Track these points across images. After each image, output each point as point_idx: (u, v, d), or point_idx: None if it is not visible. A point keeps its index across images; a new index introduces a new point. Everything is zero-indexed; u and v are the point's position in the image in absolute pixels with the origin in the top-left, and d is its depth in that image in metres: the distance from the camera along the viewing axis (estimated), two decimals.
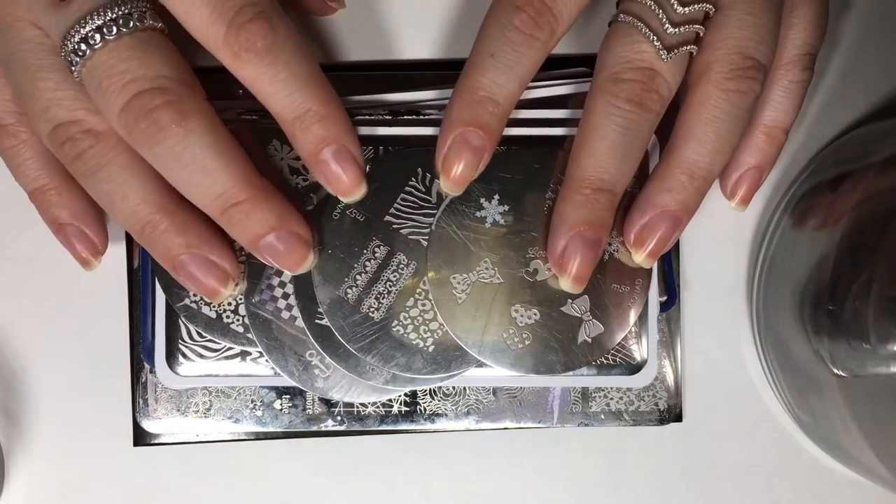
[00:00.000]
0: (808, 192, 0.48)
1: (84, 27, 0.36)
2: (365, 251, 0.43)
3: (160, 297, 0.44)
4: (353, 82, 0.46)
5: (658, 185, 0.41)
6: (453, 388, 0.48)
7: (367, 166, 0.43)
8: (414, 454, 0.50)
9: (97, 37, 0.36)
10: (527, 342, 0.43)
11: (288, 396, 0.47)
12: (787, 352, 0.47)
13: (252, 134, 0.43)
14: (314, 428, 0.47)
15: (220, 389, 0.47)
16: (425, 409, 0.48)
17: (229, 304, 0.44)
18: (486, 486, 0.50)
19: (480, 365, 0.43)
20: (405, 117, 0.45)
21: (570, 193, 0.40)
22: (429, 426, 0.48)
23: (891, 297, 0.41)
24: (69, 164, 0.39)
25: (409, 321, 0.43)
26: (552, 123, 0.45)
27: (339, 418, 0.47)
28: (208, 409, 0.47)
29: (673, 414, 0.49)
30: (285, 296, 0.44)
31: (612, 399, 0.48)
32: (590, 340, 0.43)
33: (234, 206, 0.38)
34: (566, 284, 0.41)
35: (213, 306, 0.44)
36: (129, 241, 0.48)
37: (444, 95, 0.45)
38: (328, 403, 0.47)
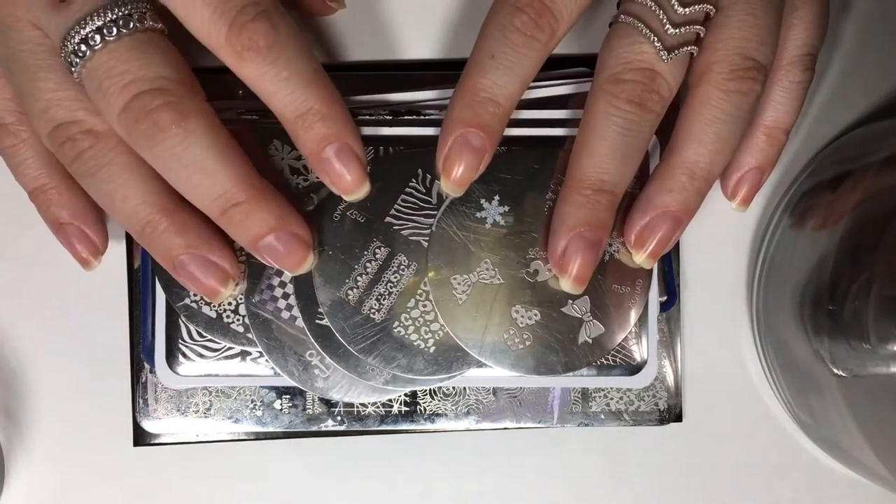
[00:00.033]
0: (808, 192, 0.48)
1: (84, 28, 0.36)
2: (366, 252, 0.43)
3: (160, 297, 0.44)
4: (354, 82, 0.46)
5: (658, 185, 0.41)
6: (453, 388, 0.48)
7: (368, 167, 0.43)
8: (414, 454, 0.50)
9: (97, 38, 0.36)
10: (527, 343, 0.43)
11: (288, 396, 0.47)
12: (787, 352, 0.47)
13: (252, 134, 0.43)
14: (314, 428, 0.47)
15: (220, 389, 0.47)
16: (425, 409, 0.48)
17: (229, 303, 0.44)
18: (486, 486, 0.50)
19: (481, 365, 0.43)
20: (406, 117, 0.45)
21: (570, 194, 0.40)
22: (429, 426, 0.48)
23: (891, 297, 0.41)
24: (69, 165, 0.39)
25: (409, 322, 0.43)
26: (552, 124, 0.45)
27: (339, 418, 0.47)
28: (208, 409, 0.47)
29: (673, 414, 0.49)
30: (285, 296, 0.44)
31: (612, 399, 0.48)
32: (590, 341, 0.43)
33: (234, 206, 0.38)
34: (567, 285, 0.41)
35: (213, 306, 0.44)
36: (129, 241, 0.48)
37: (444, 95, 0.45)
38: (328, 403, 0.47)
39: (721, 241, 0.51)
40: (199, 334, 0.45)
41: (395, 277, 0.43)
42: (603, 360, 0.45)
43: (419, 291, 0.43)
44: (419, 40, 0.49)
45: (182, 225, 0.39)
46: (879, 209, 0.44)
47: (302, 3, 0.46)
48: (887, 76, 0.50)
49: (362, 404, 0.47)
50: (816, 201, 0.47)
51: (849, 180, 0.46)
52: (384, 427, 0.47)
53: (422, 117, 0.45)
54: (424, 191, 0.43)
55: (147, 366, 0.47)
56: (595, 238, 0.40)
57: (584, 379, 0.46)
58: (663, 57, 0.38)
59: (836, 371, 0.44)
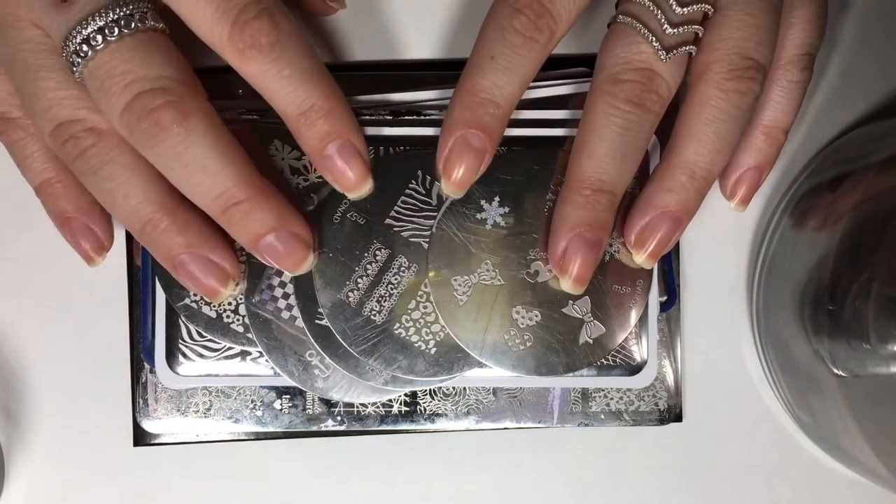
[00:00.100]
0: (808, 193, 0.48)
1: (86, 28, 0.36)
2: (366, 254, 0.43)
3: (160, 297, 0.44)
4: (354, 82, 0.46)
5: (658, 185, 0.41)
6: (453, 388, 0.48)
7: None
8: (414, 454, 0.50)
9: (99, 38, 0.36)
10: (528, 344, 0.43)
11: (288, 396, 0.47)
12: (787, 352, 0.47)
13: (253, 134, 0.43)
14: (314, 428, 0.47)
15: (220, 389, 0.47)
16: (425, 409, 0.48)
17: (229, 303, 0.44)
18: (486, 486, 0.50)
19: (482, 366, 0.43)
20: (406, 117, 0.45)
21: (570, 194, 0.40)
22: (429, 426, 0.48)
23: (891, 297, 0.41)
24: (71, 163, 0.39)
25: (410, 324, 0.43)
26: (552, 124, 0.45)
27: (339, 418, 0.47)
28: (208, 409, 0.47)
29: (673, 414, 0.49)
30: (285, 296, 0.44)
31: (612, 399, 0.48)
32: (591, 341, 0.43)
33: (235, 205, 0.38)
34: (567, 285, 0.41)
35: (214, 306, 0.44)
36: (130, 240, 0.47)
37: (444, 95, 0.45)
38: (328, 403, 0.47)
39: (721, 241, 0.51)
40: (199, 334, 0.45)
41: (396, 279, 0.43)
42: (603, 360, 0.45)
43: (420, 293, 0.43)
44: (419, 40, 0.49)
45: (183, 224, 0.39)
46: (879, 209, 0.44)
47: (303, 3, 0.46)
48: (887, 76, 0.50)
49: (362, 404, 0.47)
50: (816, 202, 0.47)
51: (849, 181, 0.46)
52: (384, 427, 0.48)
53: (422, 117, 0.45)
54: (424, 192, 0.43)
55: (147, 366, 0.47)
56: (595, 238, 0.40)
57: (584, 379, 0.46)
58: (662, 57, 0.38)
59: (836, 371, 0.44)
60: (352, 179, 0.40)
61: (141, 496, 0.50)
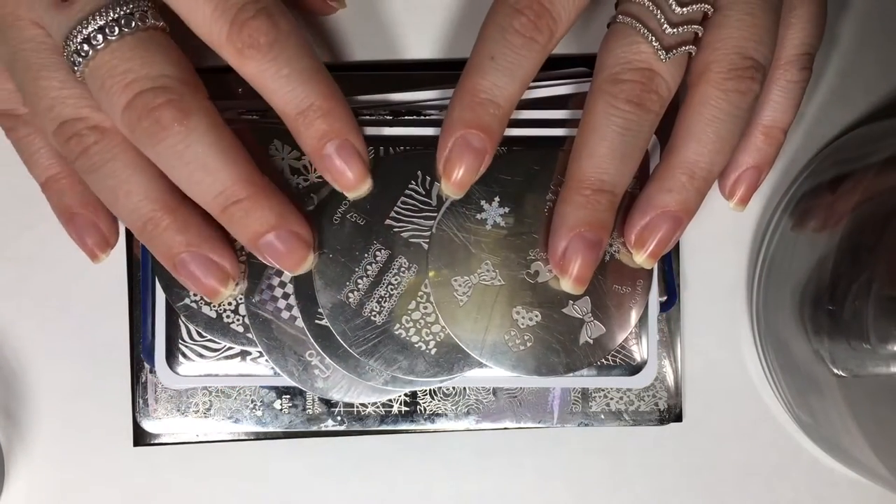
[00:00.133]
0: (808, 194, 0.48)
1: (86, 28, 0.36)
2: (366, 255, 0.43)
3: (160, 297, 0.44)
4: (354, 82, 0.46)
5: (658, 185, 0.41)
6: (453, 388, 0.48)
7: None
8: (414, 454, 0.50)
9: (100, 37, 0.36)
10: (528, 344, 0.43)
11: (288, 396, 0.47)
12: (787, 352, 0.47)
13: (253, 134, 0.43)
14: (314, 428, 0.47)
15: (220, 389, 0.47)
16: (425, 409, 0.48)
17: (229, 303, 0.44)
18: (486, 486, 0.50)
19: (482, 366, 0.43)
20: (406, 117, 0.45)
21: (570, 194, 0.40)
22: (429, 426, 0.48)
23: (891, 297, 0.41)
24: (74, 160, 0.39)
25: (410, 324, 0.43)
26: (552, 124, 0.45)
27: (339, 418, 0.47)
28: (208, 409, 0.47)
29: (673, 414, 0.49)
30: (285, 296, 0.44)
31: (612, 399, 0.48)
32: (591, 341, 0.43)
33: (235, 203, 0.38)
34: (567, 286, 0.41)
35: (214, 306, 0.44)
36: (130, 240, 0.47)
37: (444, 95, 0.45)
38: (328, 403, 0.47)
39: (721, 241, 0.51)
40: (199, 334, 0.45)
41: (396, 279, 0.43)
42: (603, 360, 0.45)
43: (420, 293, 0.43)
44: (419, 40, 0.49)
45: (184, 223, 0.39)
46: (879, 209, 0.44)
47: (303, 3, 0.46)
48: (887, 76, 0.50)
49: (362, 404, 0.47)
50: (816, 202, 0.47)
51: (849, 181, 0.46)
52: (384, 427, 0.48)
53: (422, 117, 0.45)
54: (424, 193, 0.43)
55: (147, 366, 0.47)
56: (595, 238, 0.40)
57: (584, 379, 0.46)
58: (661, 57, 0.38)
59: (836, 371, 0.44)
60: (350, 179, 0.40)
61: (141, 496, 0.50)
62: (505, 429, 0.48)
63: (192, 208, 0.39)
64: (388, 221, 0.43)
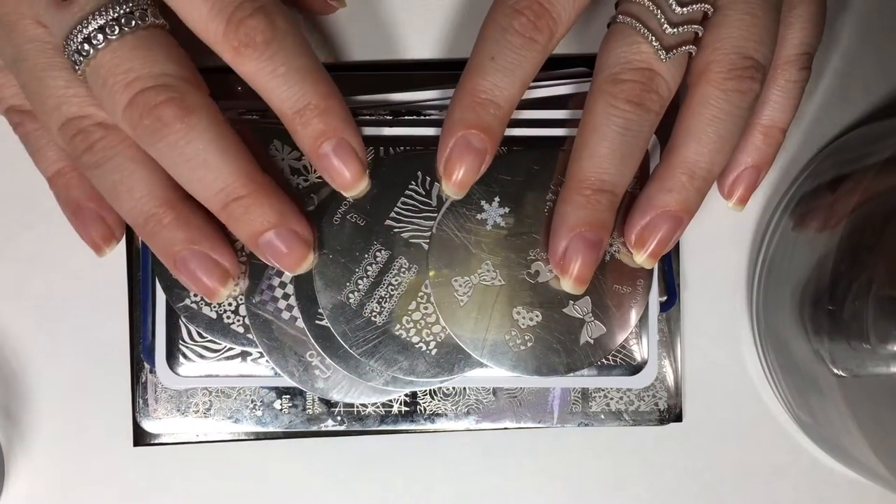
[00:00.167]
0: (808, 194, 0.48)
1: (86, 27, 0.36)
2: (366, 255, 0.43)
3: (160, 298, 0.44)
4: (354, 82, 0.46)
5: (659, 185, 0.41)
6: (453, 388, 0.48)
7: (367, 170, 0.43)
8: (414, 454, 0.50)
9: (100, 37, 0.36)
10: (529, 344, 0.43)
11: (288, 396, 0.47)
12: (787, 352, 0.47)
13: (253, 134, 0.43)
14: (314, 428, 0.47)
15: (220, 389, 0.47)
16: (425, 409, 0.48)
17: (230, 304, 0.44)
18: (486, 486, 0.50)
19: (483, 366, 0.43)
20: (406, 117, 0.45)
21: (570, 194, 0.40)
22: (429, 426, 0.48)
23: (891, 297, 0.41)
24: (79, 157, 0.39)
25: (411, 325, 0.43)
26: (552, 124, 0.45)
27: (339, 418, 0.47)
28: (208, 409, 0.47)
29: (673, 414, 0.49)
30: (286, 296, 0.44)
31: (612, 399, 0.48)
32: (592, 341, 0.43)
33: (235, 200, 0.38)
34: (568, 286, 0.41)
35: (214, 307, 0.44)
36: (130, 241, 0.47)
37: (444, 95, 0.45)
38: (328, 403, 0.47)
39: (721, 241, 0.51)
40: (200, 335, 0.45)
41: (396, 280, 0.43)
42: (604, 360, 0.45)
43: (420, 294, 0.43)
44: (419, 40, 0.49)
45: (185, 220, 0.39)
46: (879, 210, 0.44)
47: (303, 2, 0.46)
48: (887, 76, 0.50)
49: (362, 404, 0.47)
50: (816, 202, 0.47)
51: (848, 181, 0.46)
52: (384, 427, 0.48)
53: (422, 117, 0.45)
54: (424, 193, 0.43)
55: (147, 366, 0.47)
56: (595, 238, 0.40)
57: (584, 379, 0.46)
58: (662, 56, 0.38)
59: (836, 371, 0.44)
60: (348, 178, 0.40)
61: (141, 496, 0.50)
62: (505, 429, 0.48)
63: (194, 206, 0.39)
64: (388, 222, 0.43)
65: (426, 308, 0.43)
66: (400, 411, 0.47)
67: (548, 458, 0.50)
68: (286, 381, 0.44)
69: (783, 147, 0.46)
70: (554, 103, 0.45)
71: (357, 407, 0.47)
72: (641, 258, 0.42)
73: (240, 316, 0.44)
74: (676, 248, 0.49)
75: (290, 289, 0.44)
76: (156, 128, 0.36)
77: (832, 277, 0.44)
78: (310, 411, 0.47)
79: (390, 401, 0.47)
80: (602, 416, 0.48)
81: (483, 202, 0.43)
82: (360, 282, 0.43)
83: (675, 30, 0.38)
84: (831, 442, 0.48)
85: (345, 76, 0.46)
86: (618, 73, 0.39)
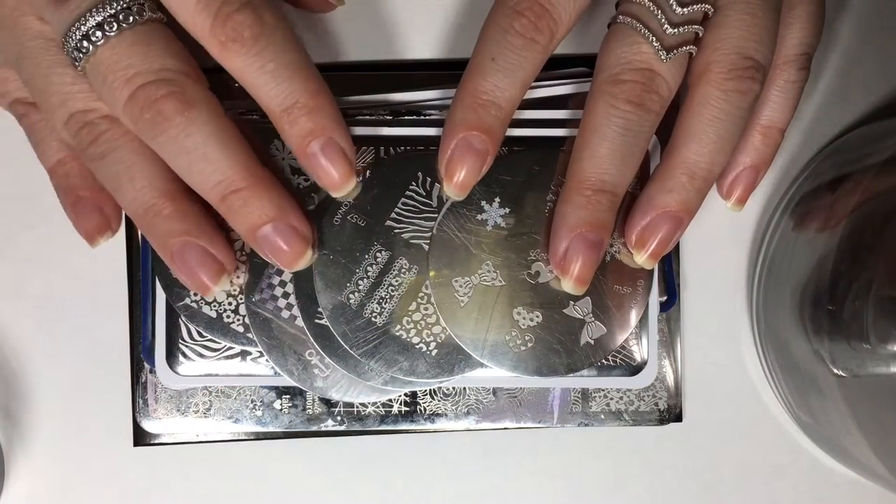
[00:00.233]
0: (808, 195, 0.48)
1: (84, 24, 0.36)
2: (367, 256, 0.43)
3: (160, 297, 0.44)
4: (355, 82, 0.46)
5: (659, 185, 0.41)
6: (453, 388, 0.48)
7: (368, 171, 0.43)
8: (414, 454, 0.50)
9: (98, 34, 0.36)
10: (529, 344, 0.43)
11: (288, 396, 0.47)
12: (787, 352, 0.47)
13: (253, 134, 0.43)
14: (314, 428, 0.47)
15: (220, 389, 0.47)
16: (425, 409, 0.48)
17: (229, 303, 0.44)
18: (486, 486, 0.50)
19: (483, 366, 0.43)
20: (406, 117, 0.45)
21: (571, 195, 0.40)
22: (429, 426, 0.48)
23: (891, 297, 0.41)
24: (85, 149, 0.39)
25: (411, 325, 0.43)
26: (553, 124, 0.45)
27: (339, 418, 0.47)
28: (208, 409, 0.47)
29: (673, 414, 0.49)
30: (285, 295, 0.44)
31: (612, 399, 0.48)
32: (592, 342, 0.43)
33: (234, 193, 0.38)
34: (568, 286, 0.41)
35: (214, 306, 0.44)
36: (130, 240, 0.47)
37: (445, 95, 0.45)
38: (328, 403, 0.47)
39: (721, 241, 0.51)
40: (200, 334, 0.45)
41: (397, 281, 0.43)
42: (604, 360, 0.45)
43: (420, 294, 0.43)
44: (419, 40, 0.49)
45: (184, 213, 0.39)
46: (879, 210, 0.44)
47: (301, 1, 0.46)
48: (887, 76, 0.50)
49: (362, 404, 0.47)
50: (816, 203, 0.47)
51: (848, 181, 0.46)
52: (384, 427, 0.48)
53: (422, 117, 0.45)
54: (425, 194, 0.43)
55: (147, 366, 0.47)
56: (596, 238, 0.40)
57: (584, 379, 0.46)
58: (662, 57, 0.38)
59: (836, 371, 0.44)
60: (335, 178, 0.40)
61: (141, 496, 0.50)
62: (505, 429, 0.48)
63: (194, 200, 0.40)
64: (388, 222, 0.43)
65: (426, 309, 0.43)
66: (400, 411, 0.47)
67: (548, 458, 0.50)
68: (286, 381, 0.44)
69: (783, 147, 0.46)
70: (554, 103, 0.45)
71: (357, 407, 0.47)
72: (642, 259, 0.42)
73: (239, 315, 0.44)
74: (676, 248, 0.49)
75: (289, 287, 0.44)
76: (156, 122, 0.36)
77: (832, 277, 0.44)
78: (310, 411, 0.47)
79: (390, 401, 0.47)
80: (602, 416, 0.48)
81: (483, 203, 0.43)
82: (360, 282, 0.43)
83: (676, 30, 0.38)
84: (831, 442, 0.48)
85: (345, 76, 0.46)
86: (618, 73, 0.39)
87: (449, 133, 0.40)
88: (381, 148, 0.44)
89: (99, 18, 0.36)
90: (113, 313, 0.49)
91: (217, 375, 0.45)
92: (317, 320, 0.43)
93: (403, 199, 0.43)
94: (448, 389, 0.47)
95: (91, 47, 0.36)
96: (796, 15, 0.42)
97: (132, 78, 0.36)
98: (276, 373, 0.45)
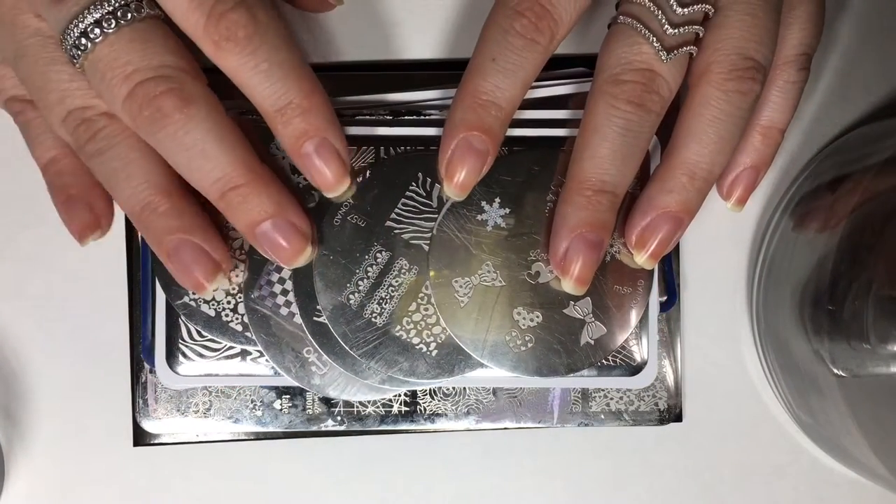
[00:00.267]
0: (808, 195, 0.48)
1: (83, 21, 0.36)
2: (367, 256, 0.43)
3: (160, 297, 0.44)
4: (355, 82, 0.46)
5: (659, 186, 0.41)
6: (453, 388, 0.48)
7: (367, 171, 0.43)
8: (414, 454, 0.50)
9: (97, 31, 0.36)
10: (529, 345, 0.43)
11: (288, 396, 0.47)
12: (787, 352, 0.47)
13: (253, 134, 0.43)
14: (314, 428, 0.47)
15: (220, 389, 0.47)
16: (425, 409, 0.48)
17: (228, 302, 0.44)
18: (486, 486, 0.50)
19: (483, 366, 0.43)
20: (406, 117, 0.45)
21: (571, 195, 0.40)
22: (429, 426, 0.48)
23: (891, 297, 0.41)
24: (82, 146, 0.39)
25: (411, 326, 0.43)
26: (553, 124, 0.45)
27: (339, 418, 0.47)
28: (208, 409, 0.47)
29: (673, 414, 0.49)
30: (284, 292, 0.44)
31: (612, 399, 0.48)
32: (592, 342, 0.43)
33: (233, 189, 0.38)
34: (568, 286, 0.41)
35: (213, 305, 0.44)
36: (130, 241, 0.47)
37: (444, 95, 0.45)
38: (328, 403, 0.47)
39: (721, 242, 0.51)
40: (199, 334, 0.45)
41: (397, 281, 0.43)
42: (604, 360, 0.45)
43: (420, 295, 0.43)
44: (420, 40, 0.48)
45: (180, 210, 0.39)
46: (879, 210, 0.44)
47: (300, 0, 0.46)
48: (887, 76, 0.50)
49: (362, 404, 0.47)
50: (816, 203, 0.47)
51: (848, 181, 0.46)
52: (384, 427, 0.48)
53: (422, 117, 0.45)
54: (425, 194, 0.43)
55: (147, 366, 0.47)
56: (596, 239, 0.40)
57: (584, 379, 0.46)
58: (662, 57, 0.38)
59: (836, 371, 0.44)
60: (329, 179, 0.40)
61: (141, 496, 0.50)
62: (505, 429, 0.48)
63: (190, 198, 0.40)
64: (388, 223, 0.43)
65: (427, 309, 0.43)
66: (400, 411, 0.47)
67: (548, 458, 0.50)
68: (286, 381, 0.44)
69: (783, 147, 0.46)
70: (554, 103, 0.45)
71: (357, 407, 0.47)
72: (642, 259, 0.42)
73: (238, 314, 0.44)
74: (676, 248, 0.49)
75: (288, 285, 0.44)
76: (155, 118, 0.36)
77: (832, 277, 0.44)
78: (310, 411, 0.47)
79: (390, 401, 0.47)
80: (602, 416, 0.48)
81: (484, 203, 0.43)
82: (360, 283, 0.43)
83: (676, 30, 0.38)
84: (831, 442, 0.48)
85: (345, 76, 0.46)
86: (619, 73, 0.39)
87: (449, 133, 0.40)
88: (381, 148, 0.44)
89: (97, 15, 0.36)
90: (113, 313, 0.49)
91: (217, 375, 0.45)
92: (315, 318, 0.43)
93: (403, 200, 0.43)
94: (448, 389, 0.47)
95: (89, 44, 0.36)
96: (796, 15, 0.42)
97: (131, 75, 0.36)
98: (276, 373, 0.45)
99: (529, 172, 0.43)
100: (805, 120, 0.50)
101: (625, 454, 0.51)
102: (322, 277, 0.43)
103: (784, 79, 0.43)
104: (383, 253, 0.43)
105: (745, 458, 0.51)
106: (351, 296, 0.43)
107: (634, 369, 0.46)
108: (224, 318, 0.44)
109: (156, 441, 0.48)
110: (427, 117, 0.45)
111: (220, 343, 0.45)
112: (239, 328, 0.44)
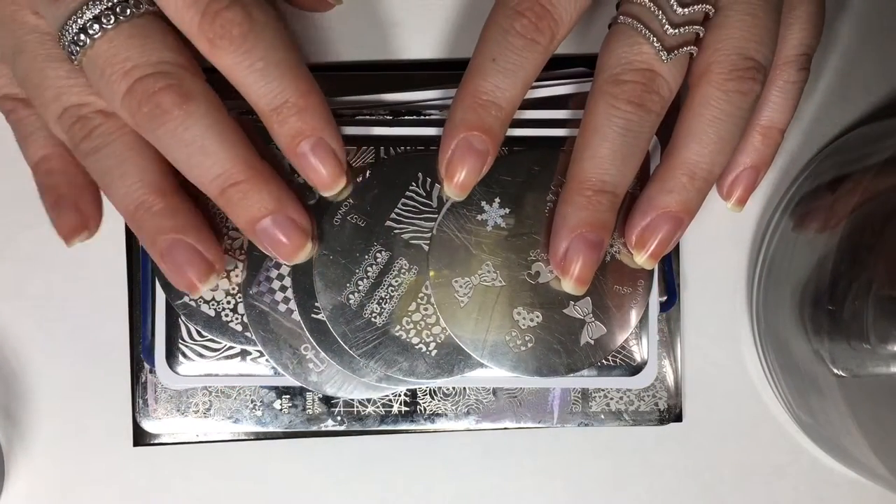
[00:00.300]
0: (808, 195, 0.48)
1: (81, 17, 0.36)
2: (367, 256, 0.43)
3: (160, 297, 0.44)
4: (355, 82, 0.46)
5: (659, 186, 0.41)
6: (453, 388, 0.48)
7: (367, 171, 0.43)
8: (414, 454, 0.50)
9: (96, 27, 0.36)
10: (529, 344, 0.43)
11: (288, 396, 0.47)
12: (787, 352, 0.47)
13: (254, 134, 0.43)
14: (314, 428, 0.47)
15: (220, 389, 0.47)
16: (425, 409, 0.48)
17: (228, 302, 0.44)
18: (486, 486, 0.50)
19: (483, 366, 0.43)
20: (406, 117, 0.45)
21: (571, 195, 0.40)
22: (429, 426, 0.48)
23: (891, 297, 0.41)
24: (77, 144, 0.39)
25: (411, 325, 0.43)
26: (553, 124, 0.45)
27: (339, 418, 0.47)
28: (208, 409, 0.47)
29: (673, 414, 0.49)
30: (283, 289, 0.44)
31: (612, 399, 0.48)
32: (592, 342, 0.43)
33: (233, 186, 0.38)
34: (568, 286, 0.41)
35: (212, 304, 0.44)
36: (130, 241, 0.47)
37: (445, 95, 0.45)
38: (328, 403, 0.47)
39: (721, 242, 0.51)
40: (199, 334, 0.45)
41: (396, 281, 0.43)
42: (604, 360, 0.45)
43: (420, 295, 0.43)
44: (419, 40, 0.48)
45: (174, 210, 0.39)
46: (879, 210, 0.44)
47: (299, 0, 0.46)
48: (887, 76, 0.50)
49: (362, 404, 0.47)
50: (816, 203, 0.47)
51: (848, 181, 0.46)
52: (384, 427, 0.47)
53: (422, 117, 0.45)
54: (425, 194, 0.43)
55: (147, 366, 0.47)
56: (596, 239, 0.40)
57: (584, 379, 0.46)
58: (663, 57, 0.38)
59: (836, 371, 0.44)
60: (325, 178, 0.40)
61: (141, 496, 0.50)
62: (505, 429, 0.48)
63: (185, 199, 0.40)
64: (388, 223, 0.43)
65: (426, 309, 0.43)
66: (400, 411, 0.47)
67: (548, 458, 0.50)
68: (286, 381, 0.44)
69: (783, 147, 0.46)
70: (554, 103, 0.45)
71: (357, 407, 0.47)
72: (642, 259, 0.42)
73: (238, 314, 0.44)
74: (676, 248, 0.49)
75: (287, 281, 0.44)
76: (155, 115, 0.36)
77: (832, 277, 0.44)
78: (310, 411, 0.47)
79: (390, 401, 0.47)
80: (602, 416, 0.48)
81: (483, 203, 0.43)
82: (360, 283, 0.43)
83: (677, 30, 0.38)
84: (831, 442, 0.48)
85: (345, 76, 0.46)
86: (619, 73, 0.39)
87: (449, 133, 0.40)
88: (381, 148, 0.44)
89: (96, 11, 0.36)
90: (113, 313, 0.49)
91: (217, 375, 0.45)
92: (313, 315, 0.43)
93: (403, 200, 0.43)
94: (448, 389, 0.47)
95: (88, 41, 0.36)
96: (796, 15, 0.42)
97: (130, 71, 0.36)
98: (276, 373, 0.45)
99: (529, 172, 0.43)
100: (805, 120, 0.50)
101: (625, 454, 0.51)
102: (322, 277, 0.43)
103: (784, 79, 0.43)
104: (383, 253, 0.43)
105: (745, 458, 0.51)
106: (351, 296, 0.43)
107: (634, 369, 0.46)
108: (224, 318, 0.44)
109: (156, 441, 0.48)
110: (427, 117, 0.45)
111: (219, 343, 0.45)
112: (239, 328, 0.44)
